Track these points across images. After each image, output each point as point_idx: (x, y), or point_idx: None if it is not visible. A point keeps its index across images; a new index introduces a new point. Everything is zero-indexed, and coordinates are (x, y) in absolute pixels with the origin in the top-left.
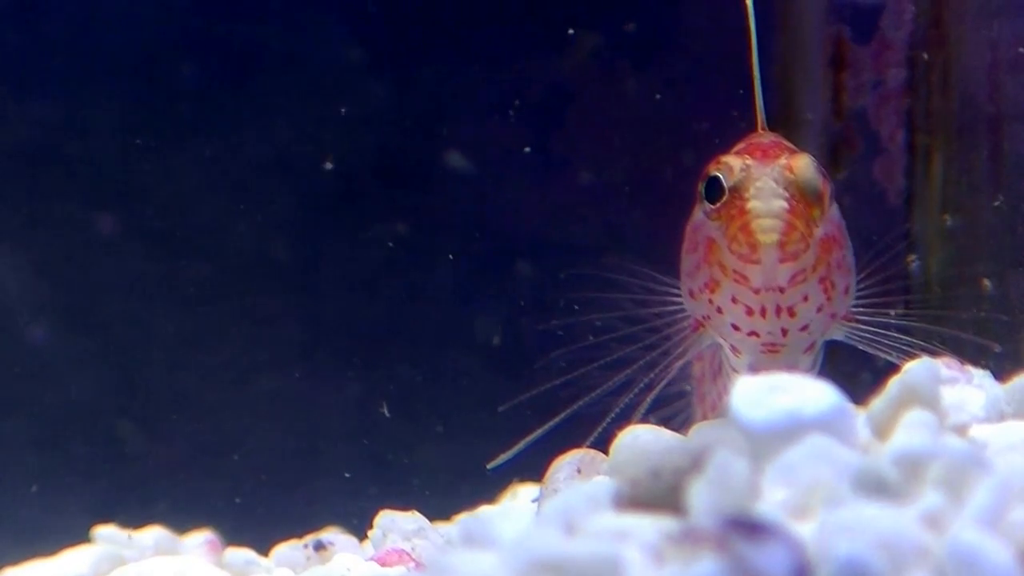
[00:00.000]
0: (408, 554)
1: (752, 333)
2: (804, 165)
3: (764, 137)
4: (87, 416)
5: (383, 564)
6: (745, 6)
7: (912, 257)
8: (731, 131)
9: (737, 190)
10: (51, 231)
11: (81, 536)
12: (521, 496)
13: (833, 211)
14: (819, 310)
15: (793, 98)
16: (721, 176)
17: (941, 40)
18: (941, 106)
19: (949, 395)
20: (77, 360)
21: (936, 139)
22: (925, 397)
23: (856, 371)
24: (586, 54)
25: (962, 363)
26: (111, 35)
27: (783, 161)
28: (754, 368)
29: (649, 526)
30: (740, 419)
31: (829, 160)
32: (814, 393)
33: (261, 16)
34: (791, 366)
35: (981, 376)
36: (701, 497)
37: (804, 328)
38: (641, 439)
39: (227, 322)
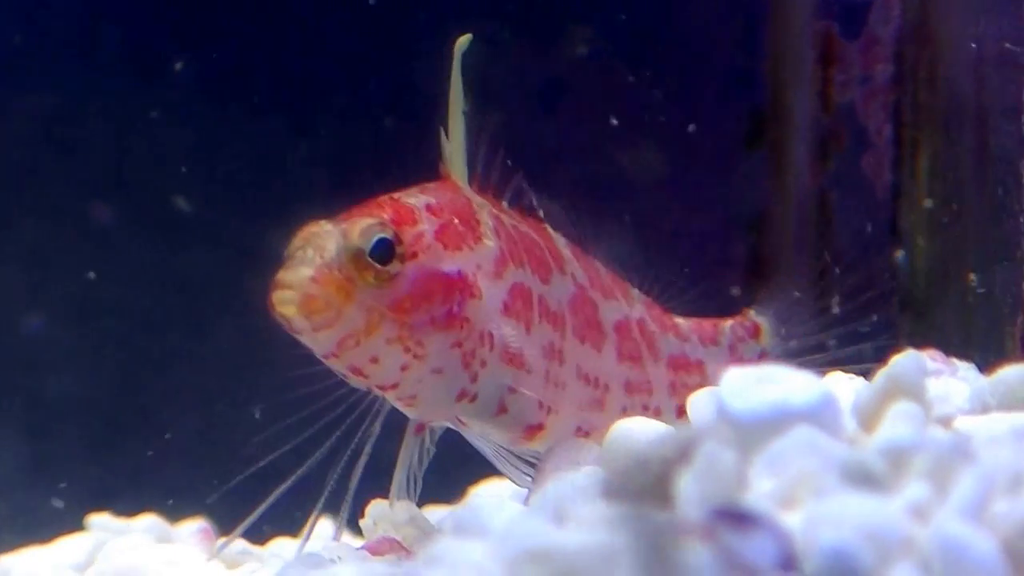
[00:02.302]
0: (399, 543)
1: (370, 389)
2: (356, 231)
3: (407, 192)
4: (82, 405)
5: (374, 553)
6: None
7: (899, 251)
8: (717, 129)
9: (285, 260)
10: (46, 220)
11: (75, 524)
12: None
13: (423, 265)
14: (404, 369)
15: (782, 93)
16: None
17: (928, 36)
18: (928, 101)
19: (934, 387)
20: (72, 349)
21: (923, 133)
22: (910, 389)
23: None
24: (578, 49)
25: (947, 355)
26: (108, 24)
27: (343, 226)
28: (416, 423)
29: (637, 516)
30: (728, 410)
31: (818, 154)
32: (801, 384)
33: (256, 7)
34: (449, 418)
35: (966, 368)
36: (689, 488)
37: (394, 386)
38: (631, 430)
39: (222, 312)
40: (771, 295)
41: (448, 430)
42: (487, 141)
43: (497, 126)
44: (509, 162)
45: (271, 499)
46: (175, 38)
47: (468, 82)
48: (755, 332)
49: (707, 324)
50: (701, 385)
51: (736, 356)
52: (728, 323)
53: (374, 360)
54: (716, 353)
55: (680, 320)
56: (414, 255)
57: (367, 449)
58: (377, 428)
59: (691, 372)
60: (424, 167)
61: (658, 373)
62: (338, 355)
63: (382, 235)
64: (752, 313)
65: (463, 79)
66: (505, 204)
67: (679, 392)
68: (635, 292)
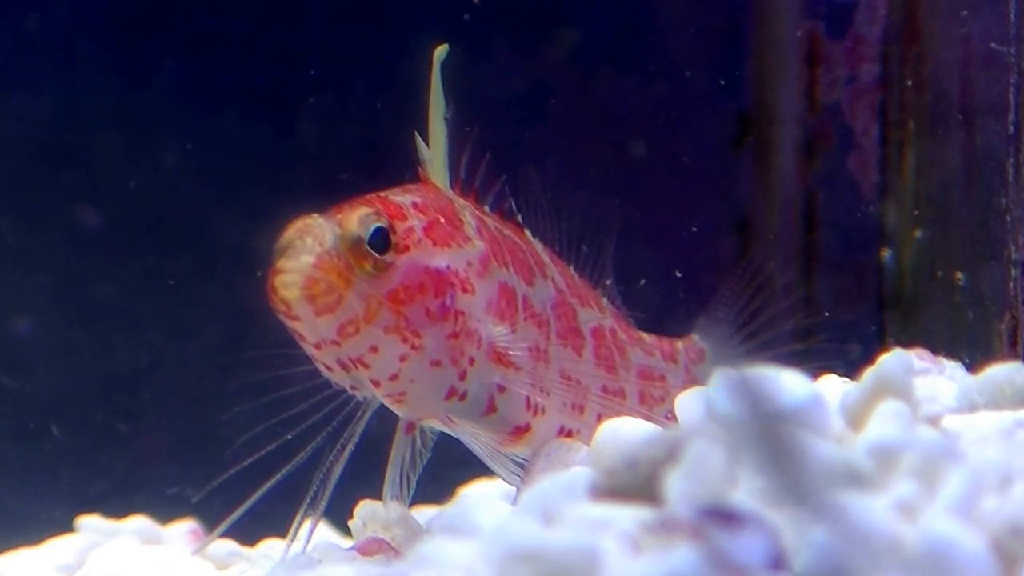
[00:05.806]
0: (388, 543)
1: (353, 387)
2: (353, 220)
3: (390, 191)
4: (71, 407)
5: (363, 553)
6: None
7: (885, 250)
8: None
9: (282, 250)
10: (35, 223)
11: (65, 526)
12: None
13: (415, 259)
14: (403, 359)
15: (768, 93)
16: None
17: (914, 35)
18: (914, 101)
19: (922, 386)
20: (61, 351)
21: (909, 133)
22: (898, 388)
23: (830, 364)
24: (563, 51)
25: (934, 354)
26: (91, 25)
27: (339, 216)
28: (407, 422)
29: (626, 516)
30: (716, 410)
31: (804, 154)
32: (790, 384)
33: (242, 7)
34: (438, 416)
35: (953, 367)
36: (677, 487)
37: (393, 378)
38: (620, 431)
39: (211, 314)
40: (708, 321)
41: (440, 434)
42: (470, 146)
43: (480, 131)
44: (492, 166)
45: (251, 501)
46: (157, 40)
47: (449, 88)
48: (702, 356)
49: (665, 342)
50: (665, 398)
51: (690, 377)
52: (681, 344)
53: (374, 349)
54: (675, 371)
55: (643, 334)
56: (406, 248)
57: (349, 448)
58: (361, 428)
59: (656, 384)
60: (406, 170)
61: (629, 381)
62: (339, 343)
63: (379, 224)
64: (696, 338)
65: (444, 84)
66: (487, 208)
67: (647, 402)
68: (604, 302)
